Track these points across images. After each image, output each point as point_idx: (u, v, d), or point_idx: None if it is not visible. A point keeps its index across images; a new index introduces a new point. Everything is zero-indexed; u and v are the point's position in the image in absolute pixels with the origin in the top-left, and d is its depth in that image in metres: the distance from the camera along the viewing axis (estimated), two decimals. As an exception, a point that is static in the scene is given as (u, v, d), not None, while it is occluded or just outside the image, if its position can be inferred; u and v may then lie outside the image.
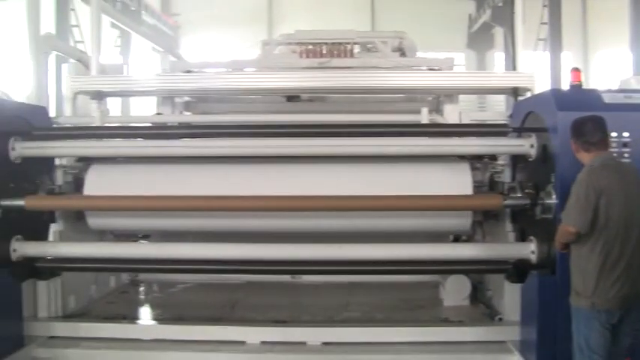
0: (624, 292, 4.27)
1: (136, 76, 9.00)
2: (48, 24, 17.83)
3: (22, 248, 5.73)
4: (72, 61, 15.02)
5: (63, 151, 6.22)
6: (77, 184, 6.37)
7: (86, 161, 6.39)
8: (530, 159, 5.55)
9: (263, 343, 5.62)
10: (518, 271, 5.56)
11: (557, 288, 4.81)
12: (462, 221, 5.99)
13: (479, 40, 27.41)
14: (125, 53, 24.49)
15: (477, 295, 6.64)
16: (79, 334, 5.85)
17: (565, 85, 5.64)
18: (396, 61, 8.72)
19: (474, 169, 6.05)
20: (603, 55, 26.57)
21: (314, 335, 5.66)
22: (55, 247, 6.06)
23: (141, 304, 7.02)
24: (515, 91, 6.99)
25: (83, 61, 12.98)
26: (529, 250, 5.43)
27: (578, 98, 5.20)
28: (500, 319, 5.87)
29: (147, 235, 7.24)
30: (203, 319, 6.14)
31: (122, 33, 23.99)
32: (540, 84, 6.90)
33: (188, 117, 8.52)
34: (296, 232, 6.20)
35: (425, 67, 8.91)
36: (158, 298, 7.18)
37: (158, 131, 6.88)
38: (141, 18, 24.36)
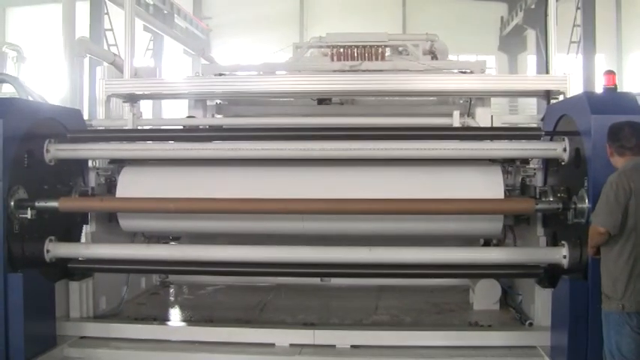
0: None
1: (168, 79, 9.04)
2: (82, 28, 18.03)
3: (56, 249, 5.81)
4: (105, 64, 15.16)
5: (96, 153, 6.30)
6: (110, 186, 6.45)
7: (119, 163, 6.46)
8: (562, 163, 5.50)
9: (292, 345, 5.62)
10: (549, 275, 5.51)
11: (588, 293, 4.75)
12: (493, 225, 5.94)
13: (511, 42, 27.22)
14: (157, 56, 24.71)
15: (507, 299, 6.59)
16: (110, 334, 5.91)
17: (599, 88, 5.58)
18: (427, 64, 8.68)
19: (505, 172, 6.01)
20: (637, 57, 26.20)
21: (343, 338, 5.65)
22: (87, 248, 6.14)
23: (171, 305, 7.07)
24: (547, 94, 6.93)
25: (116, 65, 13.11)
26: (561, 254, 5.37)
27: (613, 101, 5.14)
28: (531, 324, 5.81)
29: (177, 237, 7.29)
30: (232, 321, 6.17)
31: (155, 36, 24.20)
32: (573, 87, 6.82)
33: (219, 120, 8.56)
34: (326, 235, 6.21)
35: (456, 70, 8.87)
36: (188, 299, 7.23)
37: (190, 134, 6.93)
38: (173, 21, 24.55)
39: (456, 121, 6.86)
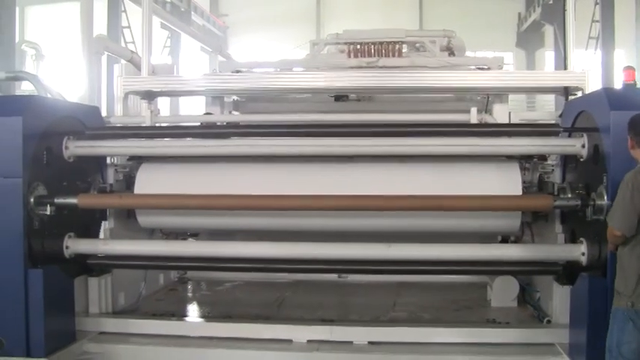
0: None
1: (186, 76, 9.08)
2: (100, 26, 18.14)
3: (75, 245, 5.85)
4: (123, 61, 15.23)
5: (114, 150, 6.34)
6: (128, 183, 6.49)
7: (137, 160, 6.50)
8: (581, 159, 5.47)
9: (309, 341, 5.62)
10: (567, 272, 5.49)
11: (607, 290, 4.70)
12: (511, 222, 5.92)
13: (528, 38, 27.12)
14: (175, 54, 24.81)
15: (525, 296, 6.56)
16: (129, 330, 5.94)
17: (618, 84, 5.54)
18: (444, 60, 8.66)
19: (523, 169, 5.99)
20: (658, 52, 25.96)
21: (360, 334, 5.65)
22: (106, 244, 6.18)
23: (189, 301, 7.11)
24: (566, 91, 6.88)
25: (134, 62, 13.17)
26: (579, 251, 5.34)
27: (632, 97, 5.10)
28: (549, 321, 5.79)
29: (195, 234, 7.32)
30: (250, 317, 6.20)
31: (172, 34, 24.31)
32: (592, 83, 6.77)
33: (237, 116, 8.59)
34: (344, 232, 6.22)
35: (474, 67, 8.83)
36: (206, 295, 7.27)
37: (207, 130, 6.96)
38: (190, 19, 24.68)
39: (473, 117, 6.83)
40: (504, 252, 5.87)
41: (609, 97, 5.02)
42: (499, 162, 6.04)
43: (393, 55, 9.03)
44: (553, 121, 6.47)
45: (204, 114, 8.20)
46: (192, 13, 25.14)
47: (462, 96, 8.61)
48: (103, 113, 6.97)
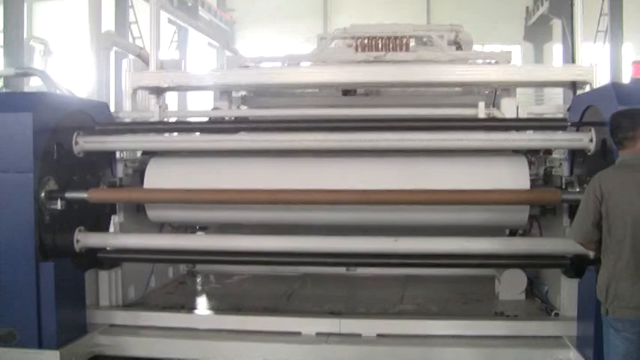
0: (637, 301, 3.98)
1: (194, 71, 9.10)
2: (108, 21, 18.18)
3: (85, 239, 5.90)
4: (131, 57, 15.29)
5: (123, 145, 6.41)
6: (137, 177, 6.53)
7: (146, 155, 6.54)
8: (589, 153, 5.48)
9: (318, 334, 5.66)
10: (575, 266, 5.50)
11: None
12: (519, 215, 5.93)
13: (536, 32, 27.04)
14: (182, 49, 24.85)
15: (533, 289, 6.59)
16: (139, 322, 6.00)
17: (626, 78, 5.54)
18: (452, 54, 8.65)
19: (530, 163, 5.99)
20: (666, 46, 25.87)
21: (369, 327, 5.68)
22: (116, 238, 6.22)
23: (198, 294, 7.15)
24: (574, 85, 6.87)
25: (142, 57, 13.23)
26: (587, 245, 5.34)
27: (640, 91, 5.09)
28: (557, 314, 5.81)
29: (204, 227, 7.36)
30: (259, 309, 6.24)
31: (179, 29, 24.34)
32: (600, 77, 6.76)
33: (245, 111, 8.61)
34: (352, 225, 6.24)
35: (481, 61, 8.82)
36: (215, 288, 7.31)
37: (216, 125, 6.98)
38: (197, 14, 24.68)
39: (481, 111, 6.83)
40: (513, 245, 5.90)
41: (617, 92, 5.02)
42: (507, 156, 6.05)
43: (401, 50, 9.02)
44: (561, 115, 6.47)
45: (213, 109, 8.23)
46: (200, 7, 25.15)
47: (470, 90, 8.60)
48: (112, 109, 7.00)
